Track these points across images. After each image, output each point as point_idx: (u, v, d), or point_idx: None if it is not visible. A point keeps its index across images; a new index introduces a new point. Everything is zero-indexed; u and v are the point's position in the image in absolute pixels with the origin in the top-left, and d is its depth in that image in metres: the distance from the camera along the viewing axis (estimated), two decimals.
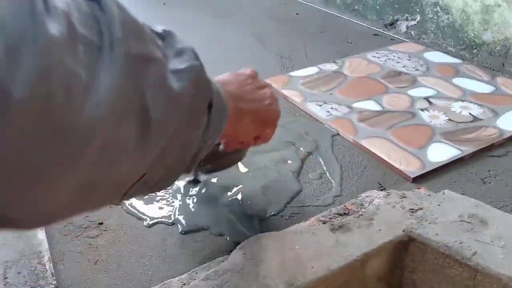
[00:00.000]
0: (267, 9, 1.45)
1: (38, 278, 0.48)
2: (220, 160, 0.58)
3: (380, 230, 0.53)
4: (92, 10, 0.28)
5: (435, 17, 1.16)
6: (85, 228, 0.59)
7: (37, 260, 0.50)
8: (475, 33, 1.07)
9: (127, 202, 0.63)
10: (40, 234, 0.55)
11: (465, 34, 1.10)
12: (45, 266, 0.50)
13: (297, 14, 1.41)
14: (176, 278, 0.46)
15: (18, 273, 0.49)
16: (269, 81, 0.97)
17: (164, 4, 1.51)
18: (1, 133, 0.22)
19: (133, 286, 0.51)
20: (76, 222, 0.60)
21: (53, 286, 0.47)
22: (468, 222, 0.54)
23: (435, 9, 1.16)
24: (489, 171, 0.70)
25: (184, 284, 0.46)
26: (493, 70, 1.02)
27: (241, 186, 0.67)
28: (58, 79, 0.24)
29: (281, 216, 0.62)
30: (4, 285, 0.47)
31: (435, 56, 1.09)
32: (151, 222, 0.61)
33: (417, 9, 1.21)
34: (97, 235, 0.58)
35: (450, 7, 1.11)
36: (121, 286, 0.52)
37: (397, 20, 1.27)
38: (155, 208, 0.63)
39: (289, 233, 0.53)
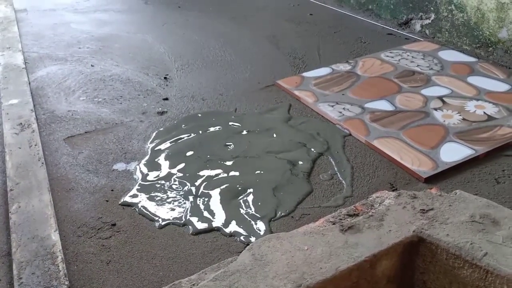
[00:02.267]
0: (281, 10, 1.45)
1: (51, 278, 0.49)
2: None
3: (390, 230, 0.52)
4: None
5: (449, 16, 1.15)
6: (98, 229, 0.61)
7: (51, 261, 0.52)
8: (490, 31, 1.05)
9: (139, 204, 0.64)
10: (54, 235, 0.56)
11: (480, 32, 1.08)
12: (59, 267, 0.51)
13: (310, 14, 1.41)
14: (186, 278, 0.47)
15: (32, 273, 0.50)
16: (281, 82, 0.98)
17: (179, 7, 1.52)
18: None
19: (144, 286, 0.51)
20: (89, 224, 0.62)
21: (65, 286, 0.48)
22: (479, 223, 0.53)
23: (449, 8, 1.14)
24: (503, 170, 0.69)
25: (193, 284, 0.46)
26: (509, 68, 1.01)
27: (252, 187, 0.67)
28: None
29: (292, 216, 0.62)
30: (19, 285, 0.49)
31: (450, 55, 1.07)
32: (163, 223, 0.61)
33: (432, 8, 1.19)
34: (110, 236, 0.59)
35: (465, 5, 1.10)
36: (133, 286, 0.52)
37: (411, 19, 1.26)
38: (167, 209, 0.64)
39: (298, 234, 0.53)
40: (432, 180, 0.68)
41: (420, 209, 0.55)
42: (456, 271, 0.50)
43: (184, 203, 0.65)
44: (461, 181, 0.68)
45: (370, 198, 0.60)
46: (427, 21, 1.21)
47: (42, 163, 0.70)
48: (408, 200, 0.57)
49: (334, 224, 0.55)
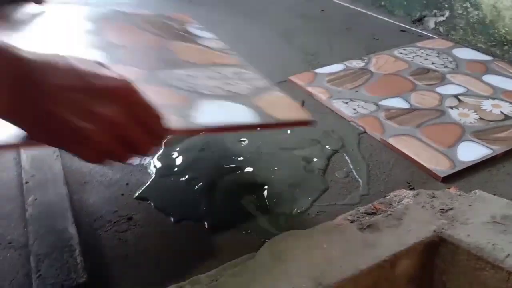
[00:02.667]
0: (292, 6, 1.44)
1: (69, 271, 0.49)
2: None
3: (410, 230, 0.52)
4: None
5: (464, 13, 1.14)
6: (114, 223, 0.60)
7: (69, 254, 0.51)
8: (506, 29, 1.04)
9: (155, 198, 0.64)
10: (71, 228, 0.56)
11: (496, 30, 1.07)
12: (76, 260, 0.51)
13: (322, 10, 1.40)
14: (204, 274, 0.47)
15: (51, 266, 0.50)
16: (294, 78, 0.97)
17: (190, 1, 1.51)
18: None
19: (162, 281, 0.51)
20: (105, 217, 0.61)
21: (84, 279, 0.48)
22: (501, 223, 0.52)
23: (464, 5, 1.13)
24: None
25: (212, 280, 0.46)
26: None
27: (267, 183, 0.67)
28: None
29: (308, 214, 0.62)
30: (37, 277, 0.49)
31: (465, 53, 1.06)
32: (178, 218, 0.61)
33: (446, 5, 1.18)
34: (126, 230, 0.59)
35: (480, 3, 1.09)
36: (151, 280, 0.52)
37: (425, 16, 1.24)
38: (182, 204, 0.64)
39: (317, 232, 0.53)
40: (449, 179, 0.67)
41: (440, 209, 0.55)
42: (477, 272, 0.50)
43: (199, 198, 0.65)
44: (478, 181, 0.67)
45: (388, 197, 0.59)
46: (441, 18, 1.20)
47: (57, 155, 0.70)
48: (427, 200, 0.57)
49: (352, 222, 0.54)
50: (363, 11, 1.39)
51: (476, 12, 1.10)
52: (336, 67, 1.01)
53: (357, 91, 0.91)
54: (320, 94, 0.90)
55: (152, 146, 0.44)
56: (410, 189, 0.63)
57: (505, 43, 1.05)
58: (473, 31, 1.12)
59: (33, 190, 0.63)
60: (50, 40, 0.66)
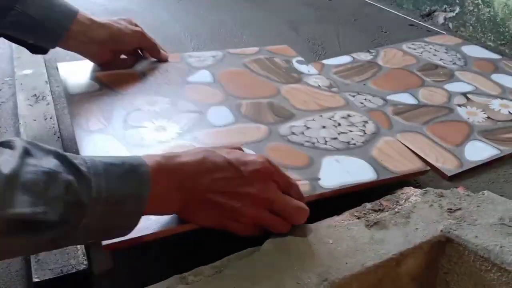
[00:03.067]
0: None
1: (69, 257, 0.48)
2: None
3: (417, 229, 0.51)
4: None
5: (475, 10, 1.12)
6: None
7: None
8: None
9: None
10: None
11: (506, 29, 1.05)
12: (77, 246, 0.49)
13: (330, 0, 1.38)
14: (209, 265, 0.46)
15: (50, 251, 0.49)
16: None
17: None
18: None
19: (165, 271, 0.50)
20: None
21: (84, 266, 0.47)
22: (509, 226, 0.52)
23: (476, 1, 1.12)
24: None
25: (216, 271, 0.45)
26: None
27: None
28: None
29: None
30: (36, 262, 0.48)
31: (473, 50, 1.05)
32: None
33: (457, 1, 1.16)
34: None
35: (493, 0, 1.07)
36: (154, 271, 0.51)
37: (434, 11, 1.23)
38: None
39: (322, 227, 0.52)
40: (456, 178, 0.66)
41: (448, 209, 0.54)
42: (482, 274, 0.49)
43: None
44: (485, 181, 0.66)
45: (395, 194, 0.58)
46: (451, 14, 1.18)
47: (58, 137, 0.68)
48: (435, 198, 0.56)
49: (359, 218, 0.54)
50: (371, 2, 1.37)
51: (487, 9, 1.09)
52: (344, 59, 1.00)
53: (364, 85, 0.89)
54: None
55: (299, 211, 0.51)
56: (417, 187, 0.62)
57: None
58: (483, 28, 1.11)
59: None
60: (181, 97, 0.75)
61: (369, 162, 0.63)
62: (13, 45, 1.00)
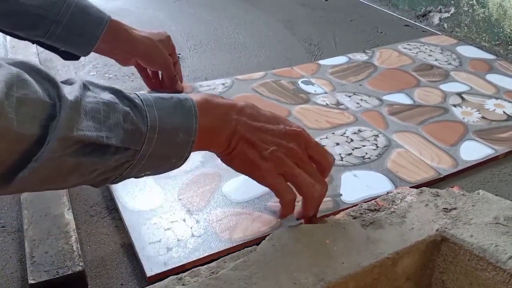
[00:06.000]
0: None
1: (65, 258, 0.48)
2: None
3: (412, 228, 0.51)
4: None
5: (470, 10, 1.13)
6: (111, 209, 0.59)
7: (64, 240, 0.50)
8: None
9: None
10: (67, 214, 0.54)
11: (501, 30, 1.06)
12: (72, 247, 0.49)
13: (326, 0, 1.38)
14: (205, 266, 0.46)
15: (45, 252, 0.49)
16: (297, 68, 0.95)
17: None
18: None
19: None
20: (102, 203, 0.60)
21: (80, 267, 0.47)
22: (504, 225, 0.52)
23: (470, 2, 1.12)
24: None
25: (213, 272, 0.45)
26: None
27: None
28: None
29: None
30: (32, 263, 0.47)
31: (468, 51, 1.05)
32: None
33: (452, 1, 1.17)
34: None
35: (487, 1, 1.08)
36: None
37: (430, 12, 1.23)
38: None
39: (319, 227, 0.52)
40: (451, 178, 0.67)
41: (443, 208, 0.54)
42: (478, 273, 0.49)
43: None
44: (480, 181, 0.66)
45: (391, 194, 0.58)
46: (446, 15, 1.19)
47: None
48: (430, 198, 0.56)
49: (355, 218, 0.54)
50: (367, 3, 1.37)
51: (482, 10, 1.09)
52: (340, 59, 1.00)
53: (360, 85, 0.90)
54: (323, 86, 0.89)
55: (322, 176, 0.53)
56: (412, 187, 0.63)
57: (509, 43, 1.05)
58: (477, 29, 1.11)
59: None
60: None
61: (385, 174, 0.66)
62: (8, 45, 0.99)
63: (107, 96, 0.40)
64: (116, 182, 0.44)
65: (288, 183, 0.51)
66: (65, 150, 0.36)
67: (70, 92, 0.37)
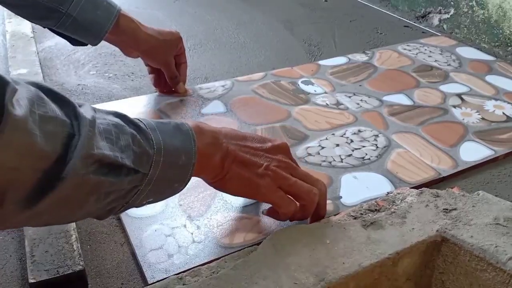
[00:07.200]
0: None
1: (65, 258, 0.48)
2: None
3: (413, 229, 0.51)
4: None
5: (470, 12, 1.13)
6: None
7: (65, 240, 0.50)
8: (511, 30, 1.04)
9: None
10: None
11: (501, 31, 1.06)
12: (73, 246, 0.49)
13: (325, 1, 1.39)
14: (205, 265, 0.46)
15: (45, 252, 0.48)
16: (297, 69, 0.96)
17: None
18: None
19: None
20: None
21: (80, 267, 0.47)
22: (504, 226, 0.52)
23: (470, 3, 1.12)
24: None
25: (213, 272, 0.45)
26: None
27: None
28: None
29: None
30: (32, 263, 0.47)
31: (468, 52, 1.05)
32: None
33: (452, 2, 1.17)
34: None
35: (487, 2, 1.08)
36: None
37: (429, 13, 1.23)
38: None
39: (319, 227, 0.52)
40: (451, 178, 0.67)
41: (443, 209, 0.55)
42: (478, 273, 0.50)
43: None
44: (480, 182, 0.67)
45: (391, 194, 0.59)
46: (446, 16, 1.19)
47: None
48: (430, 199, 0.56)
49: (355, 218, 0.54)
50: (367, 4, 1.38)
51: (482, 11, 1.10)
52: (340, 60, 1.00)
53: (360, 86, 0.90)
54: (323, 86, 0.89)
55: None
56: (413, 187, 0.63)
57: (509, 44, 1.05)
58: (477, 30, 1.12)
59: None
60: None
61: (385, 175, 0.66)
62: (7, 44, 0.99)
63: (114, 119, 0.41)
64: (120, 212, 0.44)
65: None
66: (88, 168, 0.35)
67: (86, 111, 0.37)
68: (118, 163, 0.38)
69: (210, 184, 0.52)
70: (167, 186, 0.45)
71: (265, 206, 0.58)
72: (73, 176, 0.34)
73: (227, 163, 0.49)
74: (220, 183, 0.51)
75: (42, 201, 0.33)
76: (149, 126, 0.43)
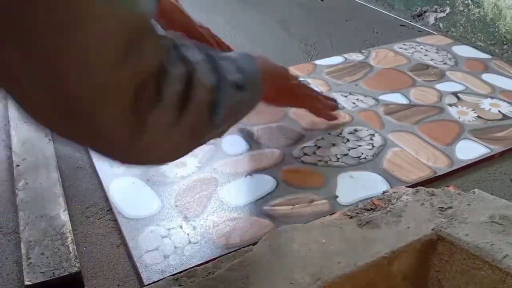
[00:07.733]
0: None
1: (61, 260, 0.48)
2: None
3: (408, 227, 0.51)
4: None
5: (465, 10, 1.13)
6: (107, 210, 0.59)
7: (61, 242, 0.50)
8: (507, 28, 1.04)
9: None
10: (63, 215, 0.54)
11: (496, 29, 1.06)
12: (69, 248, 0.49)
13: (322, 1, 1.39)
14: (201, 266, 0.46)
15: (41, 254, 0.48)
16: (293, 68, 0.96)
17: None
18: None
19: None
20: (98, 204, 0.60)
21: (76, 269, 0.47)
22: (499, 224, 0.52)
23: (466, 2, 1.12)
24: None
25: (209, 273, 0.45)
26: None
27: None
28: None
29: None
30: (28, 265, 0.47)
31: (464, 50, 1.06)
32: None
33: (447, 1, 1.17)
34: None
35: (482, 1, 1.08)
36: None
37: (425, 12, 1.24)
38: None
39: (315, 226, 0.52)
40: (447, 177, 0.67)
41: (439, 207, 0.55)
42: (474, 272, 0.50)
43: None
44: (476, 180, 0.67)
45: (387, 193, 0.59)
46: (442, 15, 1.19)
47: (50, 139, 0.68)
48: (426, 197, 0.56)
49: (351, 218, 0.54)
50: (363, 3, 1.38)
51: (478, 10, 1.10)
52: (336, 59, 1.00)
53: (356, 85, 0.90)
54: (319, 86, 0.89)
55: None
56: (409, 186, 0.63)
57: (504, 42, 1.05)
58: (473, 28, 1.12)
59: (24, 174, 0.61)
60: None
61: (381, 174, 0.66)
62: None
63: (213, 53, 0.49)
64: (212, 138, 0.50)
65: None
66: (232, 88, 0.47)
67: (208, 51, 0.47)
68: (238, 83, 0.48)
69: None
70: (251, 104, 0.56)
71: (265, 205, 0.58)
72: (229, 94, 0.47)
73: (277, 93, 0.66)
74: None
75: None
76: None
